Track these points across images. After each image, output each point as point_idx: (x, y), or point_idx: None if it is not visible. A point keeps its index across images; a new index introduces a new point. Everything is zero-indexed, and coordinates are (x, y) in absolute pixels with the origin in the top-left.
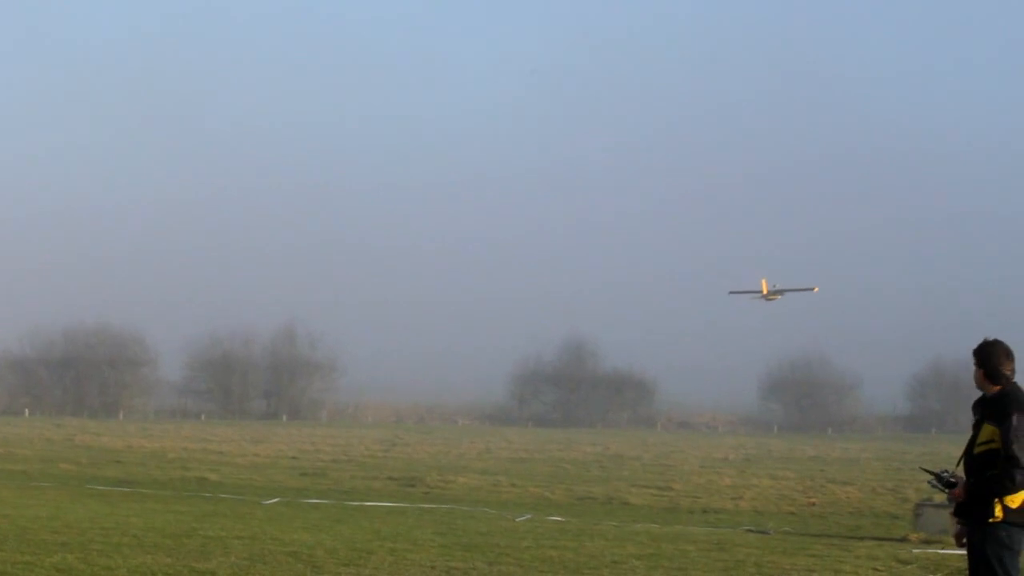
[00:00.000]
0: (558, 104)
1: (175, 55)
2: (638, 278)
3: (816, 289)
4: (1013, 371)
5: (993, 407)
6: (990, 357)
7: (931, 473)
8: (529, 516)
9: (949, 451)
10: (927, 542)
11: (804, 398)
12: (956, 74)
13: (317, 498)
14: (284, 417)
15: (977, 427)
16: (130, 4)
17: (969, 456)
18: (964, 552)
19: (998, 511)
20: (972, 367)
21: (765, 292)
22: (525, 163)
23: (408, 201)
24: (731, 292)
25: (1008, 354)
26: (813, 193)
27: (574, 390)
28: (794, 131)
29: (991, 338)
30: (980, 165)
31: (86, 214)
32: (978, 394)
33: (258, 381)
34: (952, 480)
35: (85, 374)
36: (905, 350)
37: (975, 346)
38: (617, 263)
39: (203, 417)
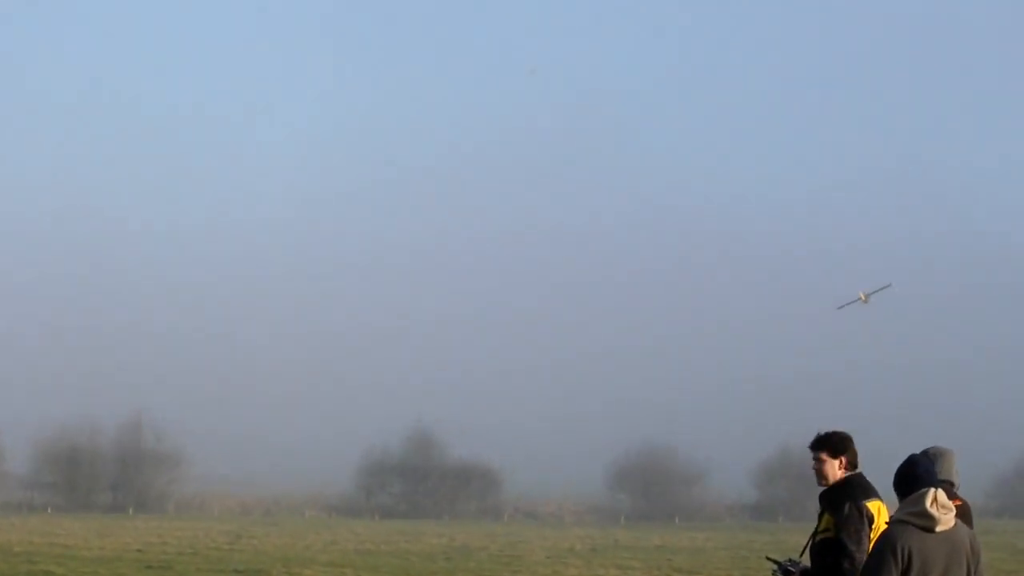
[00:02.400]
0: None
1: None
2: (485, 366)
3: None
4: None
5: (832, 496)
6: (849, 446)
7: (775, 562)
8: None
9: (796, 540)
10: None
11: (651, 487)
12: None
13: None
14: (131, 510)
15: (820, 516)
16: None
17: (812, 544)
18: None
19: None
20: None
21: (864, 298)
22: (372, 247)
23: (257, 290)
24: (839, 308)
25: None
26: (669, 281)
27: (421, 481)
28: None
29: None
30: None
31: None
32: None
33: (105, 473)
34: (792, 570)
35: None
36: (751, 438)
37: (817, 438)
38: (464, 352)
39: (50, 510)
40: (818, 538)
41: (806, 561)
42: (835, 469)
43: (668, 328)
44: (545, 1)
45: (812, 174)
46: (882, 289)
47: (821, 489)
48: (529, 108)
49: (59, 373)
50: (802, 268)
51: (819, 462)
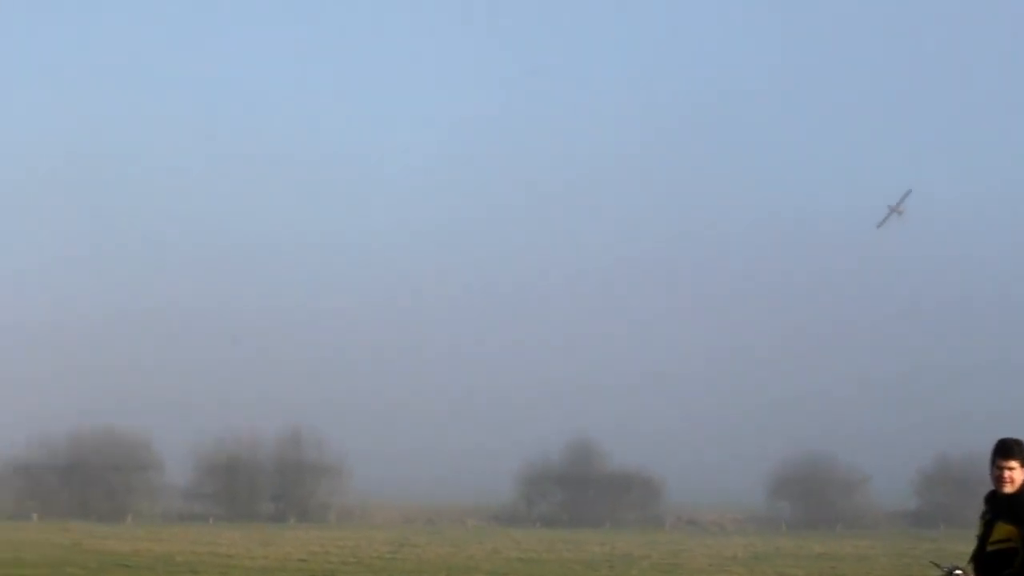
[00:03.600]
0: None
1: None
2: (646, 375)
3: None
4: None
5: (1011, 506)
6: None
7: (941, 568)
8: None
9: (958, 548)
10: None
11: (811, 495)
12: None
13: None
14: (292, 519)
15: (990, 524)
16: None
17: (981, 553)
18: None
19: None
20: (990, 462)
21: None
22: (534, 266)
23: (414, 303)
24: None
25: None
26: (817, 282)
27: (581, 490)
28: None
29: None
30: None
31: (88, 317)
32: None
33: (265, 484)
34: None
35: (91, 479)
36: (911, 445)
37: (1007, 446)
38: (625, 360)
39: (211, 520)
40: (995, 548)
41: (970, 571)
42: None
43: (824, 332)
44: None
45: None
46: (906, 196)
47: (994, 497)
48: (660, 113)
49: (219, 384)
50: (948, 270)
51: (1010, 470)
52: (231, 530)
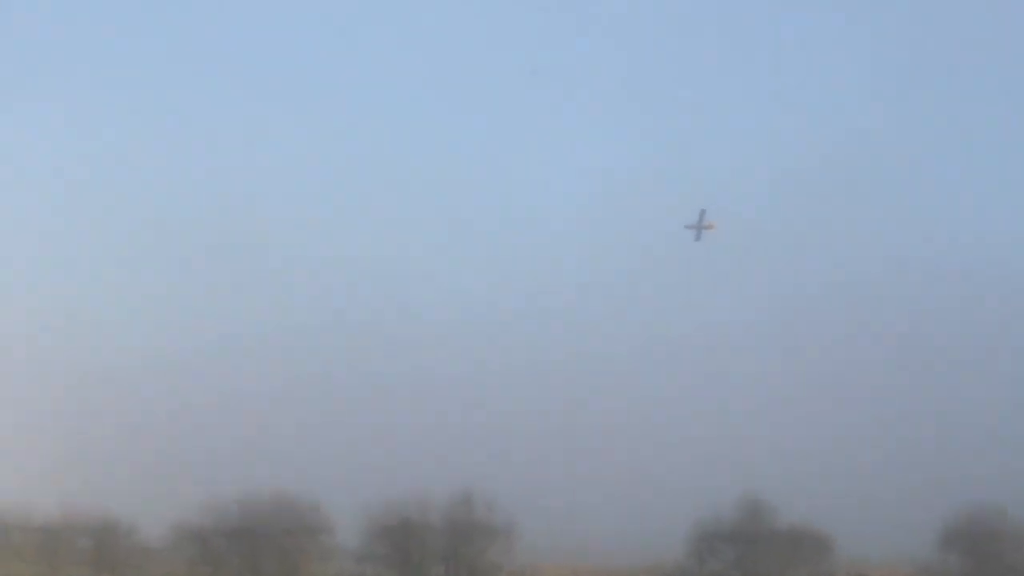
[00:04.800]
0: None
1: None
2: (808, 428)
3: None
4: None
5: None
6: None
7: None
8: None
9: None
10: None
11: (982, 549)
12: None
13: None
14: None
15: None
16: None
17: None
18: None
19: None
20: None
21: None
22: (699, 320)
23: (580, 363)
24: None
25: None
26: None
27: (752, 547)
28: None
29: None
30: None
31: (255, 387)
32: None
33: (436, 545)
34: None
35: (262, 543)
36: None
37: None
38: (786, 414)
39: None
40: None
41: None
42: None
43: (987, 386)
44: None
45: None
46: (703, 215)
47: None
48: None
49: (389, 447)
50: None
51: None
52: None
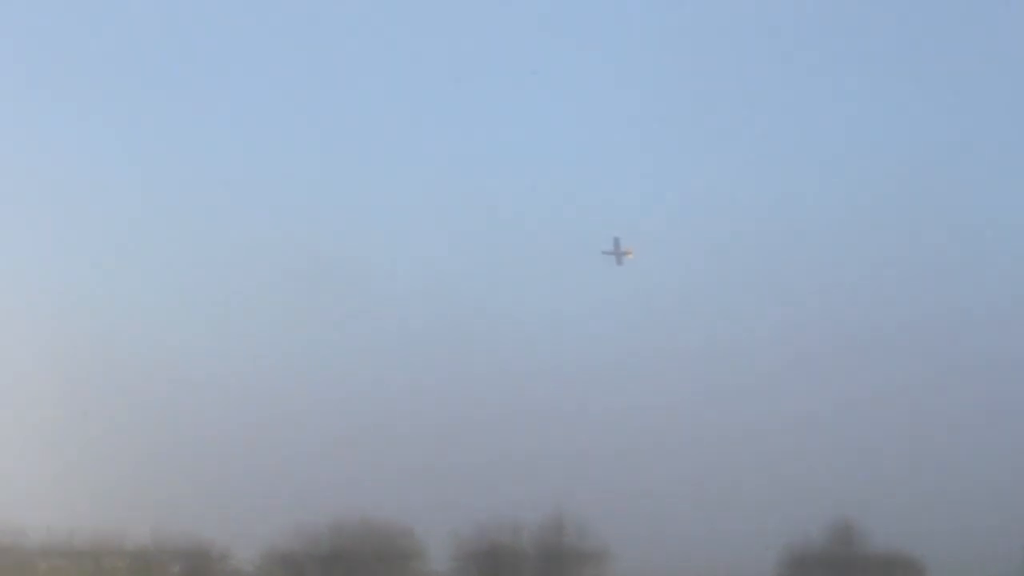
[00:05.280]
0: None
1: None
2: (901, 450)
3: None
4: None
5: None
6: None
7: None
8: None
9: None
10: None
11: None
12: None
13: None
14: None
15: None
16: None
17: None
18: None
19: None
20: None
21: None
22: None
23: (671, 388)
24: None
25: None
26: None
27: (844, 572)
28: None
29: None
30: None
31: (344, 404)
32: None
33: (527, 571)
34: None
35: (353, 568)
36: None
37: None
38: (885, 436)
39: None
40: None
41: None
42: None
43: None
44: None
45: None
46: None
47: None
48: None
49: (480, 470)
50: None
51: None
52: None
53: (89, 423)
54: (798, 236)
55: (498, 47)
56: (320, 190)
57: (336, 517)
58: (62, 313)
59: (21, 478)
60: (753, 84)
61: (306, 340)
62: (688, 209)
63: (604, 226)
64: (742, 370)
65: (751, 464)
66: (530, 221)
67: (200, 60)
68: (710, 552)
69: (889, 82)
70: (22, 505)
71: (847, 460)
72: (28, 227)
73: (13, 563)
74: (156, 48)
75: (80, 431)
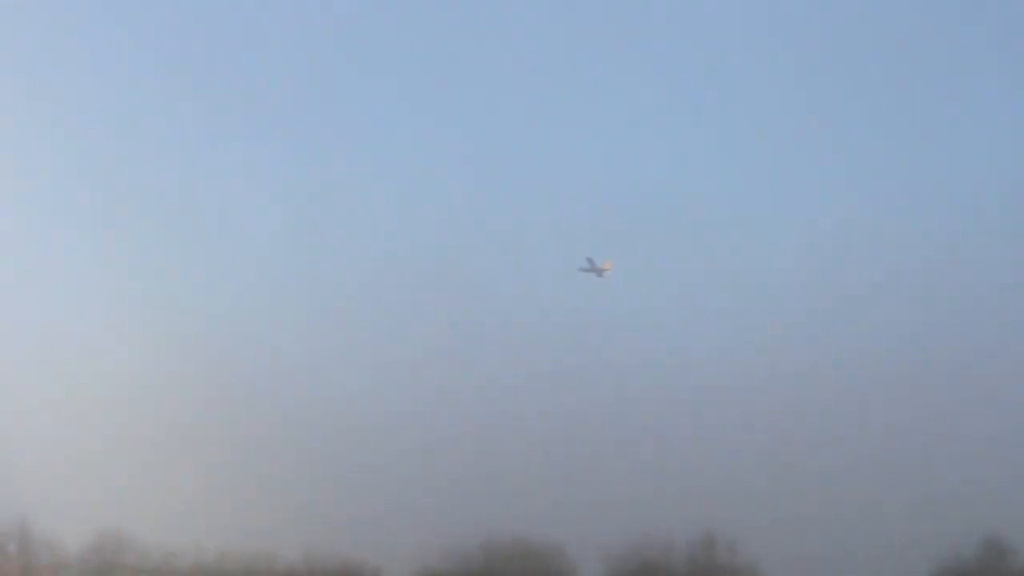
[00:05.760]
0: None
1: None
2: None
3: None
4: None
5: None
6: None
7: None
8: None
9: None
10: None
11: None
12: None
13: None
14: None
15: None
16: None
17: None
18: None
19: None
20: None
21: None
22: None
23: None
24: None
25: None
26: None
27: None
28: None
29: None
30: None
31: (493, 425)
32: None
33: None
34: None
35: None
36: None
37: None
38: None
39: None
40: None
41: None
42: None
43: None
44: None
45: None
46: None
47: None
48: None
49: (633, 487)
50: None
51: None
52: None
53: (239, 446)
54: None
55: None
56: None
57: (488, 536)
58: (207, 334)
59: (174, 500)
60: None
61: (456, 365)
62: None
63: None
64: (889, 384)
65: (900, 480)
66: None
67: (332, 74)
68: (860, 570)
69: None
70: (174, 527)
71: (998, 474)
72: (168, 246)
73: None
74: (288, 66)
75: (230, 454)
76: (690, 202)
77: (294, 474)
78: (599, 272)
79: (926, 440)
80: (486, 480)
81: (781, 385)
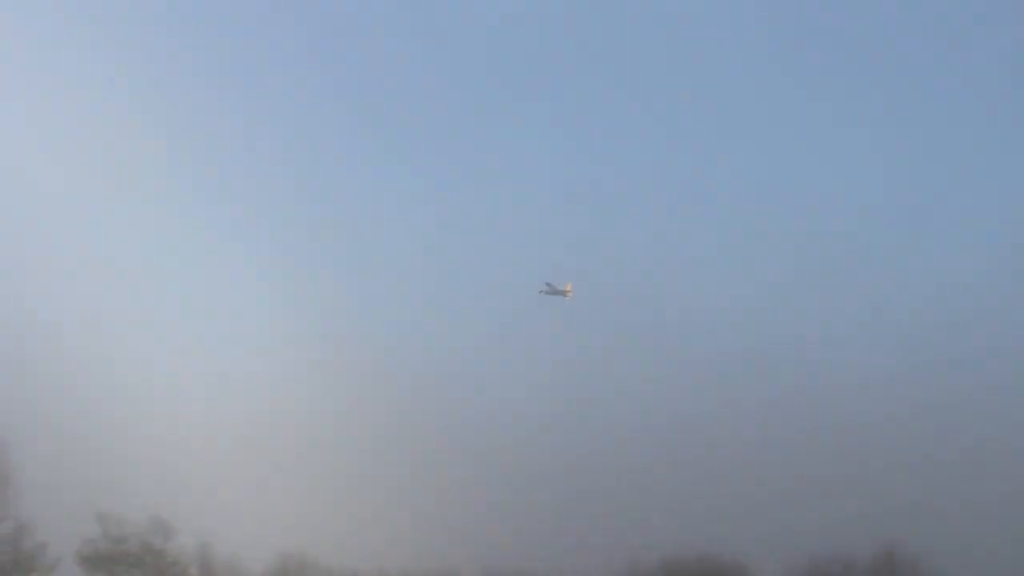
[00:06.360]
0: None
1: None
2: None
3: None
4: None
5: None
6: None
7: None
8: None
9: None
10: None
11: None
12: None
13: None
14: None
15: None
16: None
17: None
18: None
19: None
20: None
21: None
22: None
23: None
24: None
25: None
26: None
27: None
28: None
29: None
30: None
31: (672, 437)
32: None
33: None
34: None
35: None
36: None
37: None
38: None
39: None
40: None
41: None
42: None
43: None
44: None
45: None
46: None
47: None
48: None
49: (810, 502)
50: None
51: None
52: None
53: (417, 467)
54: None
55: None
56: None
57: (669, 552)
58: (383, 359)
59: (355, 521)
60: None
61: (648, 389)
62: None
63: None
64: None
65: None
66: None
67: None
68: None
69: None
70: (355, 548)
71: None
72: (347, 275)
73: None
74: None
75: (409, 475)
76: None
77: (472, 492)
78: (561, 294)
79: None
80: (667, 495)
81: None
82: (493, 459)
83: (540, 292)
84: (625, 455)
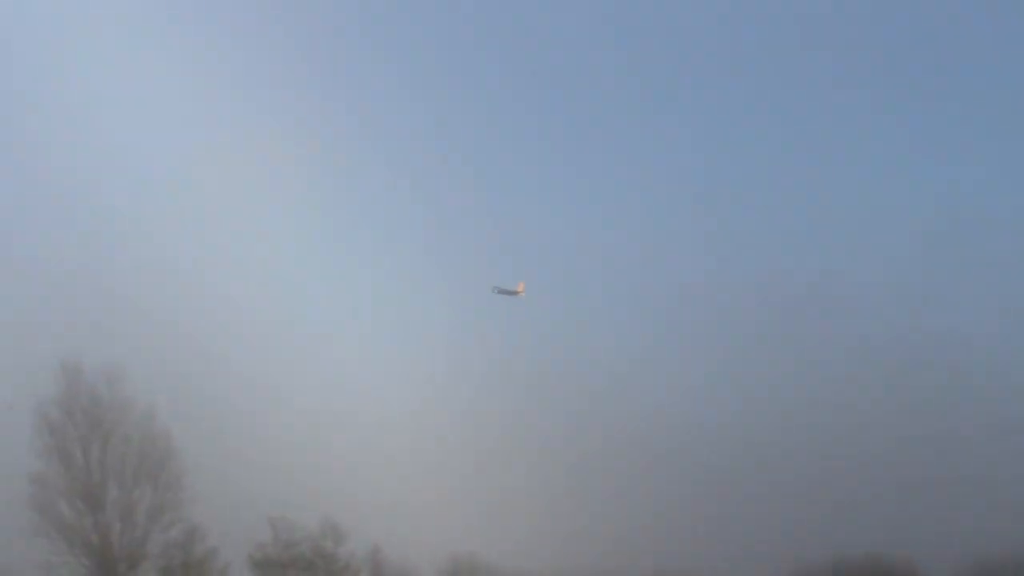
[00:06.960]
0: None
1: None
2: None
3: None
4: None
5: None
6: None
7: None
8: None
9: None
10: None
11: None
12: None
13: None
14: None
15: None
16: None
17: None
18: None
19: None
20: None
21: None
22: None
23: None
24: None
25: None
26: None
27: None
28: None
29: None
30: None
31: (838, 438)
32: None
33: None
34: None
35: None
36: None
37: None
38: None
39: None
40: None
41: None
42: None
43: None
44: None
45: None
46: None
47: None
48: None
49: (985, 504)
50: None
51: None
52: None
53: (585, 469)
54: None
55: None
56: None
57: (838, 552)
58: (540, 361)
59: (526, 524)
60: None
61: (802, 390)
62: None
63: None
64: None
65: None
66: None
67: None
68: None
69: None
70: (526, 551)
71: None
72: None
73: None
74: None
75: (577, 477)
76: None
77: (643, 494)
78: (512, 294)
79: None
80: (834, 495)
81: None
82: (663, 461)
83: (493, 291)
84: (793, 457)
